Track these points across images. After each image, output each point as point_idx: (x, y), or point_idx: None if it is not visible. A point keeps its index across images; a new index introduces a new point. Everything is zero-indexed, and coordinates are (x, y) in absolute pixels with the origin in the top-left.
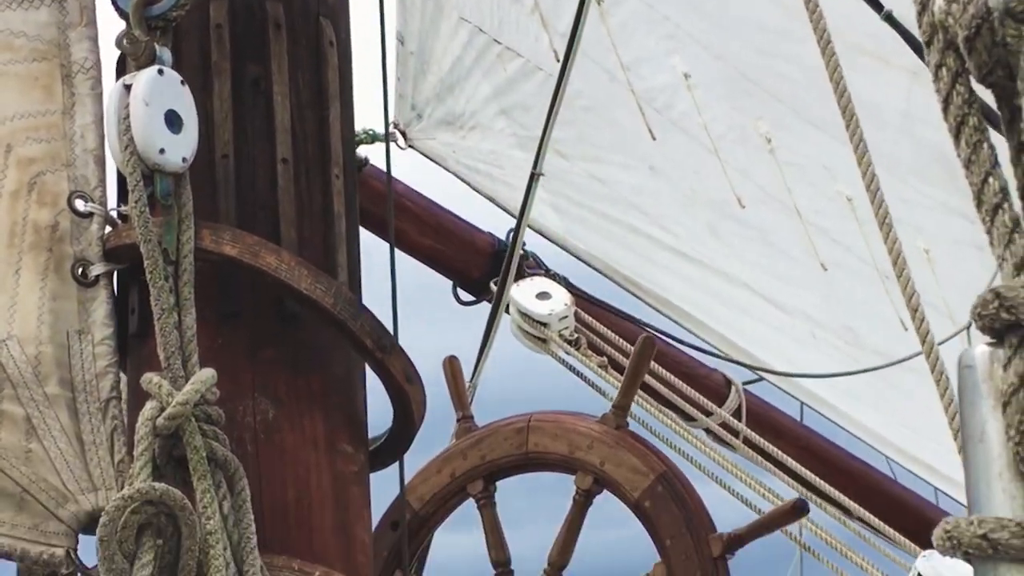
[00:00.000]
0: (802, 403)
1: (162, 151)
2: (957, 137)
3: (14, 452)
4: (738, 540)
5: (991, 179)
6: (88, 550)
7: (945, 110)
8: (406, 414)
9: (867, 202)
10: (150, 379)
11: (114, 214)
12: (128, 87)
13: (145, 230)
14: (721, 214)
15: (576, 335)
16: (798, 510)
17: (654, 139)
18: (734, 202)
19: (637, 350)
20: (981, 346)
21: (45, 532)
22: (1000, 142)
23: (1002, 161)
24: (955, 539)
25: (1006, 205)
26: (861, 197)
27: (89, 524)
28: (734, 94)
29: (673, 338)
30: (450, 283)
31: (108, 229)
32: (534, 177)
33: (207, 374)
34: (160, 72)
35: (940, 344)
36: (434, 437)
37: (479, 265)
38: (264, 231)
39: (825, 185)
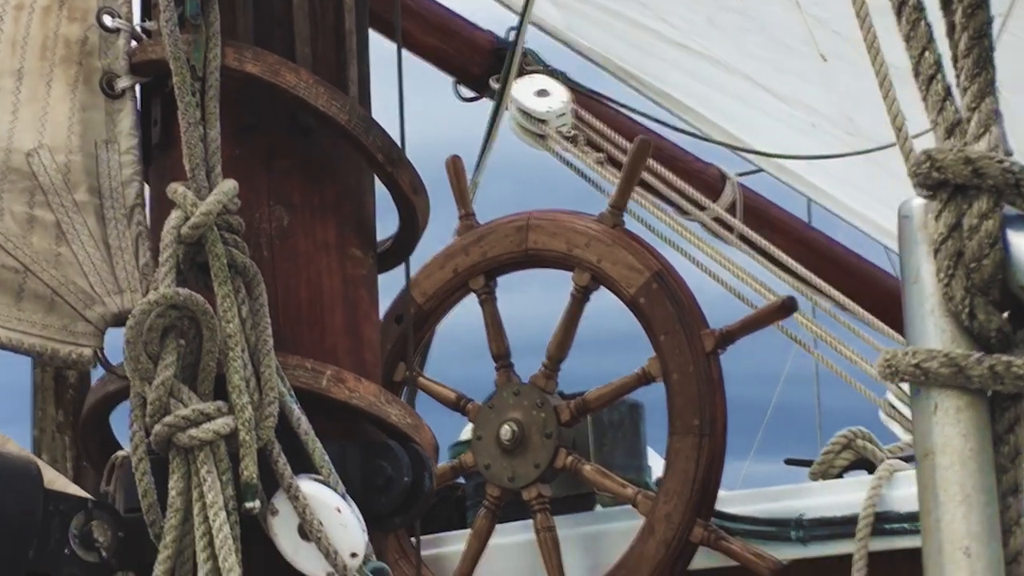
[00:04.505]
0: (809, 201)
1: None
2: (899, 15)
3: (45, 256)
4: (729, 336)
5: (927, 52)
6: (113, 350)
7: None
8: (411, 222)
9: None
10: (175, 189)
11: (140, 29)
12: None
13: (175, 48)
14: (720, 6)
15: (574, 131)
16: (787, 308)
17: None
18: None
19: (633, 151)
20: (917, 199)
21: (74, 332)
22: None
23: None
24: (893, 367)
25: (939, 76)
26: None
27: (115, 325)
28: None
29: (670, 126)
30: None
31: (134, 44)
32: None
33: (229, 185)
34: None
35: (915, 137)
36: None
37: (479, 63)
38: (280, 48)
39: None
